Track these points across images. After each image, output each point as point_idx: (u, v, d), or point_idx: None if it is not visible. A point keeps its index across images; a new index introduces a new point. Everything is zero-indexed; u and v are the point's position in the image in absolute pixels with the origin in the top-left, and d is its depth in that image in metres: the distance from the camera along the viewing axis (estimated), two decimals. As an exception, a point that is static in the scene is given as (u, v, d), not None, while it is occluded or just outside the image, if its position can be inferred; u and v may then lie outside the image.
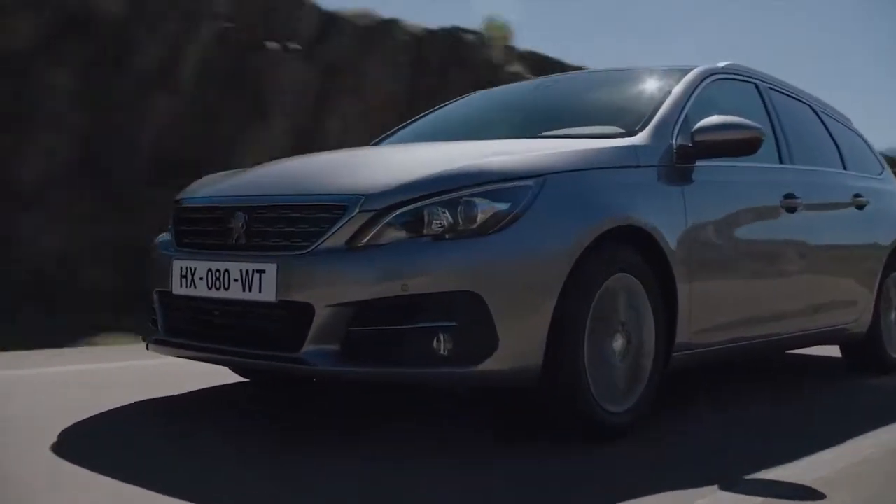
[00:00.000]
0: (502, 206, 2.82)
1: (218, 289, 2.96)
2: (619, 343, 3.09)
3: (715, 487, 2.49)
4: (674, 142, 3.52)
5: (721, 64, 4.24)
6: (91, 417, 3.18)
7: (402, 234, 2.78)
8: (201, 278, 3.02)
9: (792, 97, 4.86)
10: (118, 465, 2.53)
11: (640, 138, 3.45)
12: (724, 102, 4.05)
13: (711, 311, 3.50)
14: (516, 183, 2.88)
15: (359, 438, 3.05)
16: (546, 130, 3.83)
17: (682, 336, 3.35)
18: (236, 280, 2.91)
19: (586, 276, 2.91)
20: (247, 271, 2.88)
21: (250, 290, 2.87)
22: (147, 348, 3.31)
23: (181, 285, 3.10)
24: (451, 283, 2.70)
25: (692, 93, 3.81)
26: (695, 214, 3.42)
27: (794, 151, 4.45)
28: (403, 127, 4.79)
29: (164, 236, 3.45)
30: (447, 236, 2.76)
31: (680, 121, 3.62)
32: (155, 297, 3.28)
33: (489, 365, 2.72)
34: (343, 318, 2.72)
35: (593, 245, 2.92)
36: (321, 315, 2.72)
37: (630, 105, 3.86)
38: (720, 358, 3.76)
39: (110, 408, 3.35)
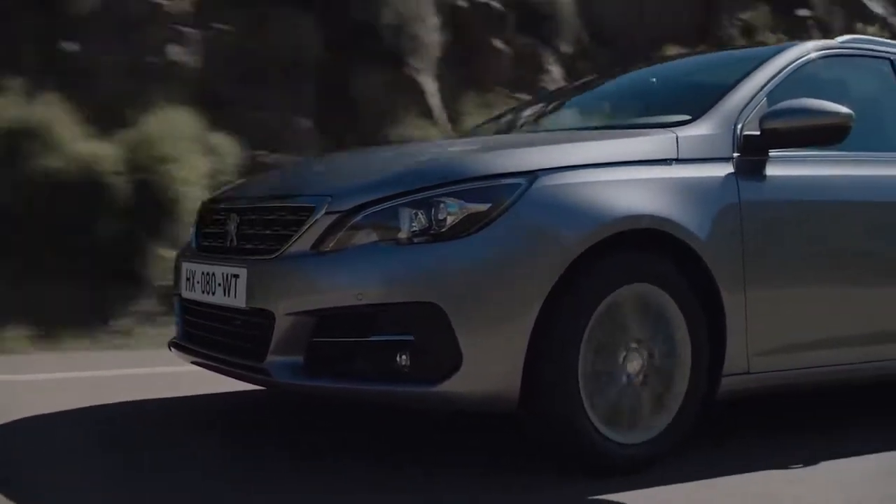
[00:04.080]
0: (481, 207, 2.52)
1: (207, 293, 2.88)
2: (634, 365, 2.68)
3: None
4: (737, 130, 3.01)
5: (840, 39, 3.60)
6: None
7: (373, 237, 2.55)
8: (198, 282, 2.95)
9: None
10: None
11: (691, 128, 2.98)
12: (836, 85, 3.46)
13: (780, 330, 2.96)
14: (502, 181, 2.56)
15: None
16: (621, 120, 3.43)
17: (736, 358, 2.86)
18: (220, 284, 2.81)
19: (583, 287, 2.54)
20: (226, 275, 2.77)
21: (228, 294, 2.76)
22: (170, 350, 3.28)
23: (186, 288, 3.05)
24: (405, 292, 2.44)
25: (779, 74, 3.22)
26: (756, 212, 2.90)
27: None
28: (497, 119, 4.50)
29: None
30: (415, 241, 2.51)
31: (752, 106, 3.07)
32: (175, 298, 3.26)
33: (452, 385, 2.43)
34: (305, 328, 2.54)
35: (594, 252, 2.55)
36: (282, 324, 2.56)
37: (710, 89, 3.36)
38: (800, 385, 3.18)
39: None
